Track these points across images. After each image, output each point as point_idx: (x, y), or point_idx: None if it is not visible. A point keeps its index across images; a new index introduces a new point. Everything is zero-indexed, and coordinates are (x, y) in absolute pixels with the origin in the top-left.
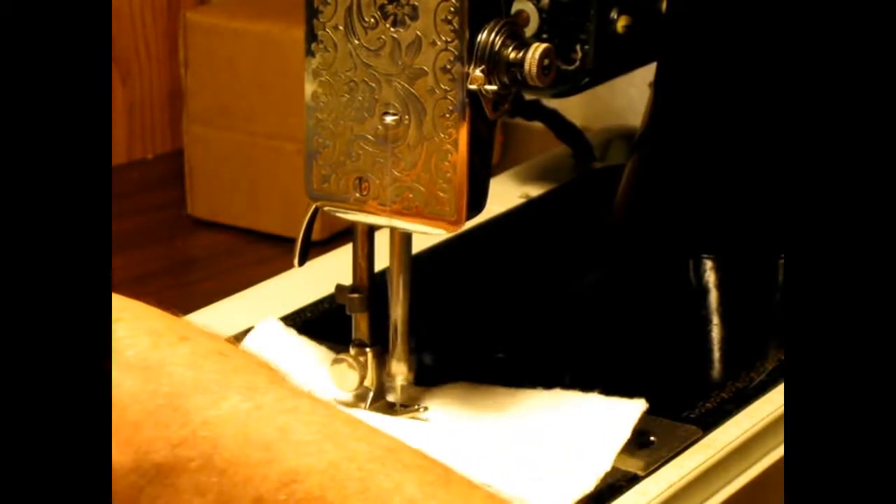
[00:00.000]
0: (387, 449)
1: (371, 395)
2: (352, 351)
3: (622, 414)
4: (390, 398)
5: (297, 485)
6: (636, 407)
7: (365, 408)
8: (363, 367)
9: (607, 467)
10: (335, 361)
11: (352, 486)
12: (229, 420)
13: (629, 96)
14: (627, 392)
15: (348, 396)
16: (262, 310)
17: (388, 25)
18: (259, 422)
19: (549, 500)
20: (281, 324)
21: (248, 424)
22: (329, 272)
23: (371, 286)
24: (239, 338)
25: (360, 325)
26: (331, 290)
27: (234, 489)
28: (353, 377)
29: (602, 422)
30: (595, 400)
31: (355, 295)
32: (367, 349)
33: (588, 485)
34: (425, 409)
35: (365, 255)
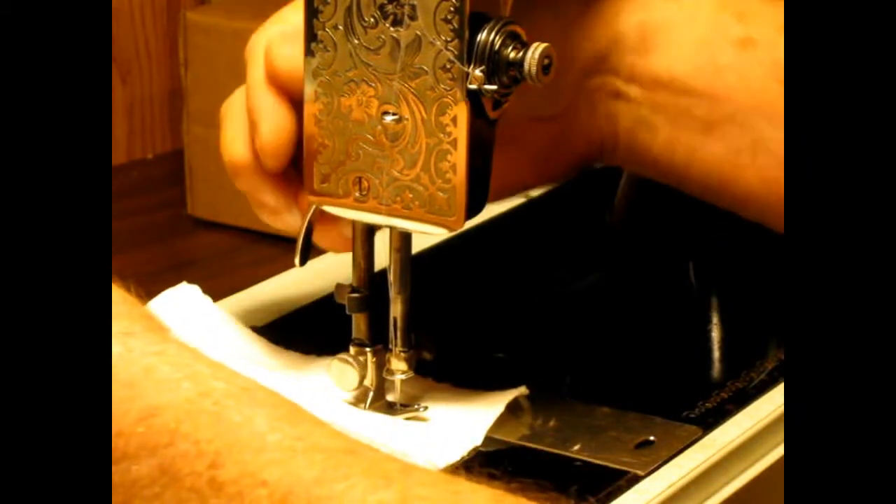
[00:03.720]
0: (242, 388)
1: (371, 394)
2: (352, 350)
3: (497, 396)
4: (390, 398)
5: (155, 419)
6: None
7: (365, 408)
8: (363, 366)
9: (478, 441)
10: (336, 360)
11: (205, 419)
12: None
13: None
14: (628, 392)
15: (348, 396)
16: (262, 310)
17: (387, 25)
18: (127, 363)
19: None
20: (198, 289)
21: (116, 365)
22: (329, 272)
23: (371, 286)
24: None
25: (360, 324)
26: (331, 290)
27: None
28: (352, 377)
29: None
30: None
31: (355, 295)
32: (367, 349)
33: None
34: (425, 408)
35: (365, 255)
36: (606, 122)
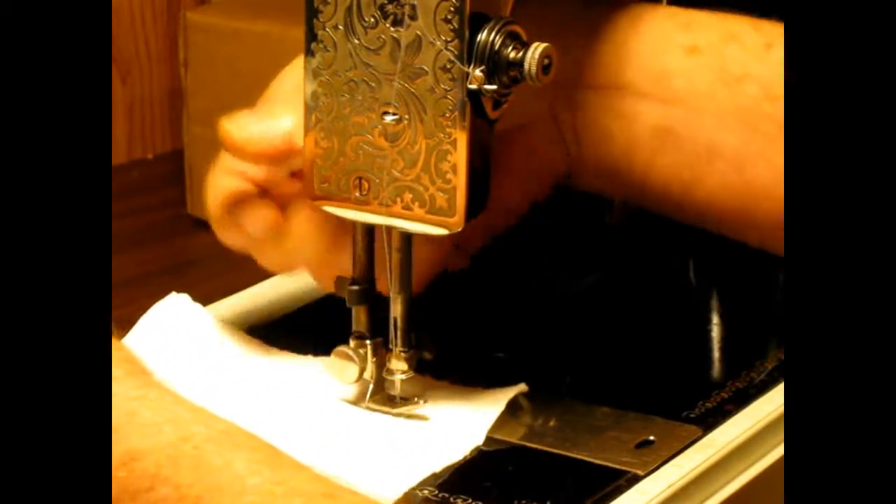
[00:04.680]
0: (222, 431)
1: (371, 387)
2: (351, 343)
3: (498, 394)
4: (389, 391)
5: (136, 463)
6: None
7: (365, 400)
8: (363, 359)
9: (479, 441)
10: (335, 354)
11: (185, 463)
12: None
13: None
14: (628, 392)
15: (347, 392)
16: (262, 310)
17: (387, 25)
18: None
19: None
20: (188, 297)
21: None
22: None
23: (371, 278)
24: None
25: (360, 317)
26: (331, 290)
27: None
28: (352, 370)
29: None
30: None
31: (355, 287)
32: (367, 342)
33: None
34: (424, 402)
35: (364, 247)
36: (568, 133)
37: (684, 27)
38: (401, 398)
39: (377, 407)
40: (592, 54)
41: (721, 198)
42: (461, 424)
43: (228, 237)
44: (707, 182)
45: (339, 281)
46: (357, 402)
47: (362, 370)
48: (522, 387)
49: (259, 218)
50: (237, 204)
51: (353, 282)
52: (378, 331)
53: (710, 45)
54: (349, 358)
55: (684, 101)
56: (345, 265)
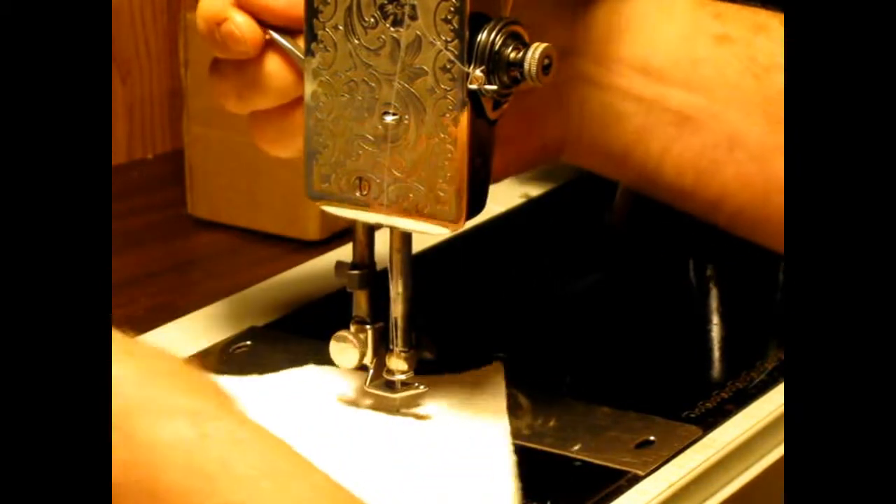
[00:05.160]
0: (324, 492)
1: (371, 372)
2: (352, 328)
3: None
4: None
5: None
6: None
7: (365, 385)
8: (363, 344)
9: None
10: (335, 338)
11: None
12: (174, 446)
13: None
14: (628, 392)
15: (347, 374)
16: (261, 310)
17: (387, 25)
18: (203, 451)
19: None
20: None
21: (192, 452)
22: (329, 272)
23: (371, 263)
24: (237, 340)
25: (361, 302)
26: (331, 290)
27: None
28: (352, 354)
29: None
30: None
31: (355, 272)
32: (367, 326)
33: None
34: (425, 387)
35: (366, 230)
36: (573, 107)
37: (715, 16)
38: (402, 384)
39: (377, 392)
40: (616, 32)
41: (737, 189)
42: (480, 441)
43: (213, 69)
44: (724, 172)
45: (339, 265)
46: (357, 401)
47: (362, 355)
48: (498, 366)
49: (233, 38)
50: (219, 22)
51: (353, 266)
52: (378, 316)
53: (741, 35)
54: (349, 342)
55: (710, 90)
56: (292, 134)
